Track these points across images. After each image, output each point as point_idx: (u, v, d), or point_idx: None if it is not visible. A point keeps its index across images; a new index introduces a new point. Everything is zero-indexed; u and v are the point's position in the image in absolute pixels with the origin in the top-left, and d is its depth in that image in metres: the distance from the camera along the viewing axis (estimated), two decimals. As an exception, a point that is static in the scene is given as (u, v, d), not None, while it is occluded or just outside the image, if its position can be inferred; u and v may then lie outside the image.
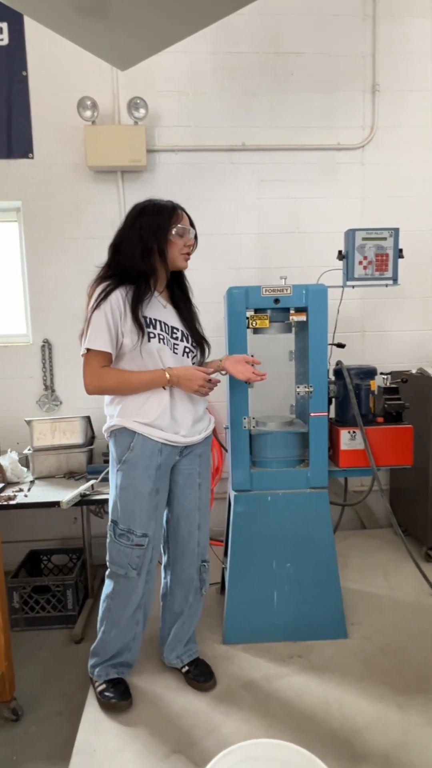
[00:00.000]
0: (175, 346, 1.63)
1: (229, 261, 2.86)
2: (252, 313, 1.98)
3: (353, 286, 2.19)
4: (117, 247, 1.61)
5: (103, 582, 1.74)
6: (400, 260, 2.13)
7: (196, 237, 1.66)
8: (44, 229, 2.76)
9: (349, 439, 2.04)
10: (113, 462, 1.65)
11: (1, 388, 2.81)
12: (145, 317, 1.56)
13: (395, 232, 2.11)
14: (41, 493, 2.24)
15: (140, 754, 1.50)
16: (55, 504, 2.05)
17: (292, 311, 1.96)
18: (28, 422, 2.50)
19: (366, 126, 2.86)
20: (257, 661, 1.89)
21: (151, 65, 2.63)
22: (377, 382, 2.11)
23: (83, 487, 2.21)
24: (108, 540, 1.66)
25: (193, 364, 1.69)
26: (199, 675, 1.78)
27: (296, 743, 1.16)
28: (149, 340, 1.56)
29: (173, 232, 1.58)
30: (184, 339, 1.66)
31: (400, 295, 2.89)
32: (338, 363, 2.14)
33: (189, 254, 1.65)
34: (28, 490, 2.28)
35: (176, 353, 1.63)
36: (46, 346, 2.81)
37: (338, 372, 2.11)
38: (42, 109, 2.70)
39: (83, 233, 2.76)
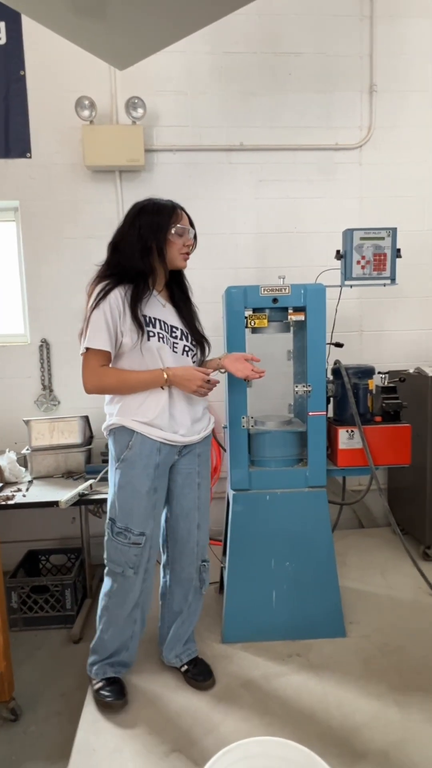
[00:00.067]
0: (175, 345, 1.63)
1: (228, 261, 2.86)
2: (250, 312, 1.98)
3: (351, 286, 2.19)
4: (116, 246, 1.61)
5: (101, 581, 1.74)
6: (398, 260, 2.14)
7: (195, 237, 1.66)
8: (42, 229, 2.75)
9: (347, 439, 2.04)
10: (112, 460, 1.65)
11: (-1, 388, 2.80)
12: (144, 316, 1.56)
13: (393, 231, 2.11)
14: (39, 492, 2.24)
15: (140, 754, 1.50)
16: (54, 504, 2.05)
17: (290, 311, 1.97)
18: (26, 422, 2.50)
19: (364, 126, 2.87)
20: (256, 660, 1.90)
21: (150, 65, 2.64)
22: (375, 382, 2.12)
23: (81, 487, 2.21)
24: (106, 538, 1.66)
25: (193, 362, 1.69)
26: (198, 674, 1.78)
27: (295, 741, 1.16)
28: (149, 339, 1.56)
29: (172, 232, 1.58)
30: (183, 338, 1.66)
31: (398, 294, 2.90)
32: (336, 362, 2.14)
33: (188, 254, 1.66)
34: (27, 490, 2.28)
35: (176, 352, 1.63)
36: (44, 346, 2.80)
37: (336, 371, 2.11)
38: (40, 108, 2.69)
39: (81, 233, 2.76)
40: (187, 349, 1.66)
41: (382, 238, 2.11)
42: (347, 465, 2.06)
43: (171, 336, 1.63)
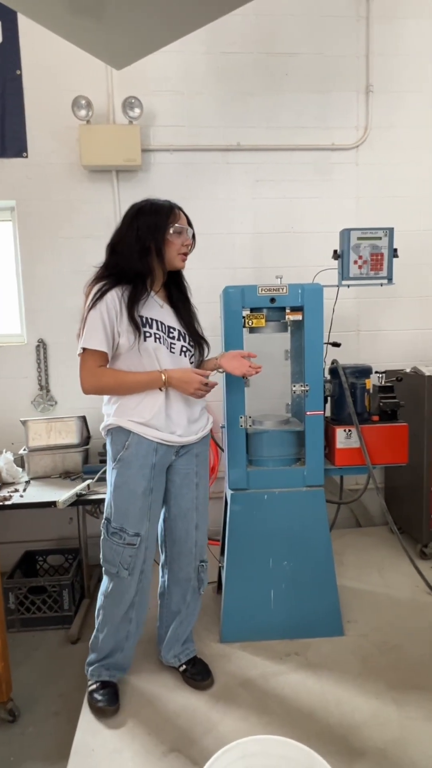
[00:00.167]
0: (172, 346, 1.63)
1: (225, 261, 2.87)
2: (248, 312, 1.99)
3: (348, 286, 2.20)
4: (114, 247, 1.61)
5: (99, 581, 1.74)
6: (394, 260, 2.14)
7: (194, 236, 1.66)
8: (39, 229, 2.75)
9: (344, 438, 2.05)
10: (109, 460, 1.65)
11: (-5, 388, 2.80)
12: (141, 317, 1.56)
13: (390, 231, 2.12)
14: (37, 493, 2.24)
15: (138, 754, 1.50)
16: (51, 504, 2.05)
17: (287, 310, 1.97)
18: (24, 422, 2.49)
19: (360, 126, 2.88)
20: (254, 659, 1.90)
21: (146, 65, 2.63)
22: (372, 381, 2.12)
23: (79, 487, 2.20)
24: (101, 538, 1.66)
25: (191, 363, 1.69)
26: (197, 674, 1.78)
27: (294, 740, 1.17)
28: (145, 340, 1.56)
29: (171, 232, 1.58)
30: (181, 338, 1.66)
31: (395, 294, 2.91)
32: (334, 362, 2.15)
33: (187, 254, 1.65)
34: (24, 490, 2.27)
35: (173, 352, 1.63)
36: (41, 346, 2.80)
37: (334, 371, 2.12)
38: (36, 108, 2.69)
39: (78, 233, 2.76)
40: (184, 349, 1.66)
41: (379, 238, 2.12)
42: (345, 464, 2.06)
43: (168, 337, 1.63)
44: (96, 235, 2.66)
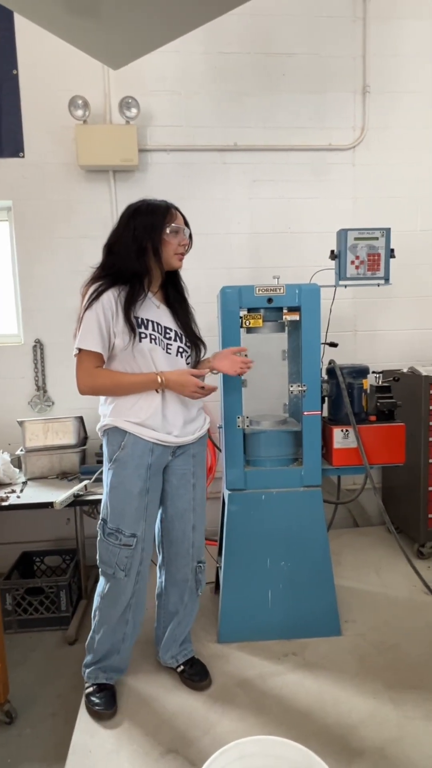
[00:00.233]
0: (168, 346, 1.63)
1: (222, 261, 2.87)
2: (245, 312, 1.99)
3: (345, 286, 2.20)
4: (111, 248, 1.60)
5: (97, 582, 1.74)
6: (391, 260, 2.15)
7: (191, 236, 1.66)
8: (35, 229, 2.74)
9: (342, 438, 2.05)
10: (106, 461, 1.65)
11: (-8, 388, 2.79)
12: (137, 317, 1.56)
13: (387, 232, 2.13)
14: (34, 494, 2.23)
15: (136, 755, 1.49)
16: (48, 505, 2.04)
17: (285, 310, 1.97)
18: (20, 423, 2.48)
19: (357, 127, 2.88)
20: (252, 660, 1.90)
21: (143, 65, 2.63)
22: (369, 381, 2.13)
23: (76, 488, 2.20)
24: (98, 538, 1.65)
25: (187, 364, 1.68)
26: (195, 674, 1.78)
27: (292, 740, 1.17)
28: (140, 341, 1.55)
29: (167, 232, 1.58)
30: (177, 339, 1.65)
31: (392, 294, 2.92)
32: (331, 362, 2.15)
33: (184, 254, 1.65)
34: (21, 491, 2.27)
35: (169, 353, 1.63)
36: (38, 347, 2.79)
37: (331, 371, 2.12)
38: (33, 107, 2.68)
39: (75, 233, 2.75)
40: (181, 350, 1.66)
41: (376, 239, 2.12)
42: (342, 464, 2.07)
43: (164, 337, 1.62)
44: (93, 235, 2.66)
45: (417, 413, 2.55)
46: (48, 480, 2.43)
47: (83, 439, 2.61)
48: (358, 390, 2.07)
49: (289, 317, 1.97)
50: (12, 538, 2.71)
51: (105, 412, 1.63)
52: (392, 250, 2.14)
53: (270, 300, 1.95)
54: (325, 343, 2.18)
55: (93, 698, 1.67)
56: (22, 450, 2.48)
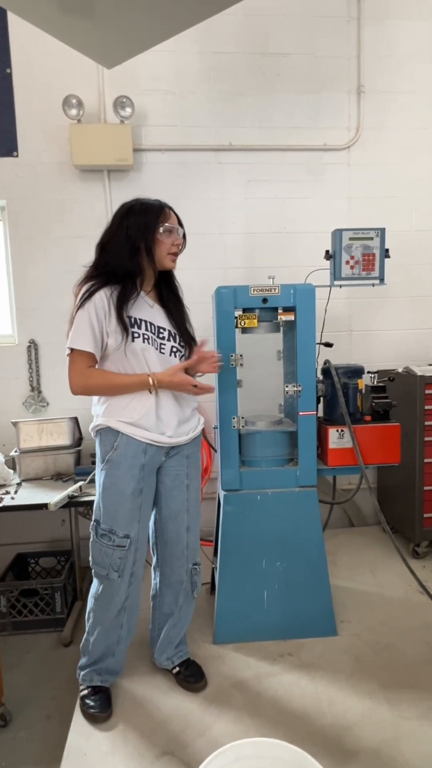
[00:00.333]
0: (162, 346, 1.62)
1: (217, 261, 2.86)
2: (240, 312, 1.98)
3: (340, 286, 2.20)
4: (104, 247, 1.59)
5: (91, 583, 1.73)
6: (386, 260, 2.15)
7: (184, 236, 1.66)
8: (30, 229, 2.73)
9: (337, 438, 2.05)
10: (98, 461, 1.64)
11: (-14, 389, 2.77)
12: (129, 317, 1.55)
13: (381, 232, 2.13)
14: (28, 495, 2.22)
15: (131, 757, 1.49)
16: (43, 506, 2.03)
17: (280, 311, 1.97)
18: (15, 424, 2.47)
19: (352, 127, 2.89)
20: (248, 661, 1.89)
21: (138, 64, 2.63)
22: (365, 381, 2.13)
23: (71, 489, 2.19)
24: (91, 539, 1.64)
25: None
26: (190, 676, 1.77)
27: (288, 741, 1.16)
28: (133, 340, 1.55)
29: (161, 231, 1.57)
30: (171, 338, 1.64)
31: (387, 294, 2.92)
32: (326, 362, 2.15)
33: (177, 254, 1.64)
34: (15, 492, 2.25)
35: (163, 353, 1.62)
36: (32, 347, 2.78)
37: (326, 371, 2.12)
38: (27, 107, 2.67)
39: (69, 233, 2.74)
40: (175, 350, 1.65)
41: (371, 239, 2.12)
42: (337, 464, 2.07)
43: (158, 337, 1.61)
44: (88, 234, 2.64)
45: (412, 413, 2.56)
46: (43, 481, 2.42)
47: (78, 440, 2.60)
48: (354, 390, 2.07)
49: (284, 317, 1.97)
50: (6, 540, 2.69)
51: (98, 412, 1.62)
52: (387, 250, 2.14)
53: (265, 300, 1.95)
54: (320, 343, 2.18)
55: (88, 701, 1.66)
56: (16, 451, 2.47)
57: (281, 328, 2.15)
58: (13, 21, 2.58)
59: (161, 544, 1.75)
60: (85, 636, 1.71)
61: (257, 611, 2.00)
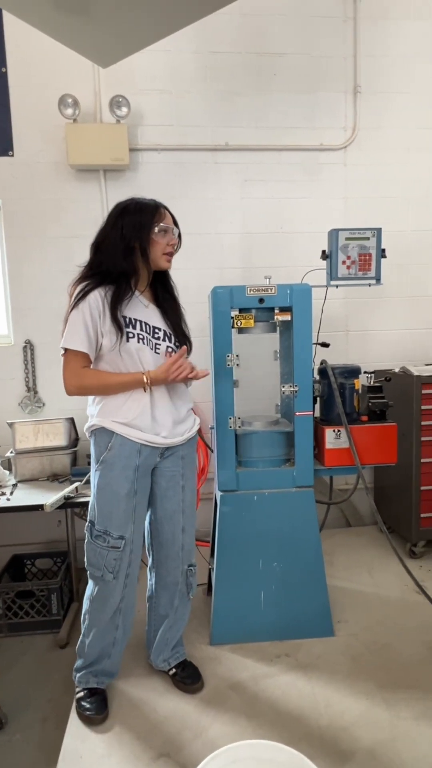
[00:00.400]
0: (157, 346, 1.61)
1: (213, 261, 2.86)
2: (237, 312, 1.98)
3: (337, 286, 2.20)
4: (98, 247, 1.59)
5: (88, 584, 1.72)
6: (383, 260, 2.15)
7: (179, 236, 1.65)
8: (25, 228, 2.72)
9: (334, 438, 2.05)
10: (92, 462, 1.63)
11: (-18, 390, 2.76)
12: (124, 317, 1.54)
13: (378, 232, 2.13)
14: (24, 496, 2.21)
15: (127, 759, 1.48)
16: (39, 507, 2.02)
17: (276, 311, 1.97)
18: (10, 424, 2.46)
19: (348, 127, 2.89)
20: (245, 662, 1.89)
21: (134, 64, 2.62)
22: (361, 381, 2.13)
23: (67, 490, 2.18)
24: (86, 540, 1.63)
25: None
26: (187, 677, 1.76)
27: (284, 743, 1.16)
28: (128, 340, 1.54)
29: (156, 231, 1.56)
30: (166, 339, 1.64)
31: (383, 294, 2.92)
32: (323, 362, 2.15)
33: (172, 254, 1.64)
34: (11, 493, 2.24)
35: (158, 353, 1.61)
36: (28, 347, 2.76)
37: (323, 371, 2.11)
38: (22, 106, 2.65)
39: (65, 232, 2.73)
40: (170, 350, 1.64)
41: (367, 239, 2.12)
42: (334, 465, 2.06)
43: (153, 337, 1.61)
44: (84, 234, 2.60)
45: (409, 413, 2.56)
46: (39, 482, 2.41)
47: (74, 441, 2.59)
48: (350, 390, 2.07)
49: (280, 317, 1.97)
50: (2, 541, 2.68)
51: (92, 412, 1.62)
52: (383, 250, 2.14)
53: (261, 300, 1.95)
54: (316, 344, 2.18)
55: (84, 703, 1.66)
56: (12, 452, 2.45)
57: (278, 329, 2.15)
58: (9, 20, 2.57)
59: (156, 545, 1.74)
60: (80, 638, 1.70)
61: (254, 612, 2.00)
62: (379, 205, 2.92)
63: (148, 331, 1.60)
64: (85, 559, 1.64)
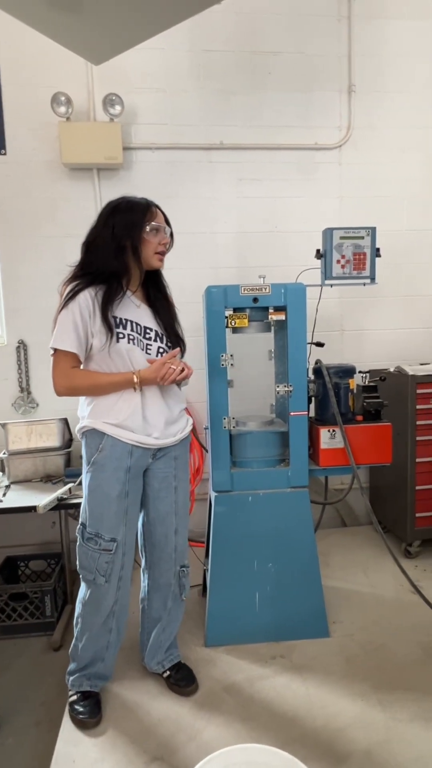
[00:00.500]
0: (148, 347, 1.60)
1: (208, 260, 2.84)
2: (231, 312, 1.96)
3: (331, 285, 2.19)
4: (89, 246, 1.57)
5: (81, 587, 1.71)
6: (377, 259, 2.14)
7: (171, 235, 1.63)
8: (19, 228, 2.69)
9: (328, 438, 2.04)
10: (84, 463, 1.61)
11: (-25, 390, 2.73)
12: (115, 317, 1.53)
13: (372, 231, 2.12)
14: (17, 497, 2.19)
15: (120, 763, 1.47)
16: (31, 509, 2.00)
17: (271, 310, 1.95)
18: (3, 425, 2.43)
19: (343, 126, 2.88)
20: (239, 663, 1.88)
21: (127, 62, 2.60)
22: (356, 381, 2.12)
23: (60, 491, 2.16)
24: (77, 543, 1.62)
25: None
26: (181, 679, 1.75)
27: (279, 745, 1.15)
28: (118, 341, 1.52)
29: (147, 230, 1.55)
30: (158, 339, 1.62)
31: (378, 294, 2.92)
32: (317, 362, 2.14)
33: (164, 253, 1.62)
34: (4, 494, 2.22)
35: (149, 353, 1.59)
36: (22, 347, 2.74)
37: (317, 371, 2.11)
38: (15, 104, 2.63)
39: (59, 231, 2.71)
40: (162, 351, 1.62)
41: (362, 238, 2.11)
42: (329, 465, 2.06)
43: (144, 337, 1.59)
44: (77, 233, 2.56)
45: (404, 413, 2.56)
46: (32, 483, 2.39)
47: (68, 441, 2.57)
48: (345, 390, 2.06)
49: (274, 317, 1.96)
50: (-4, 543, 2.66)
51: (84, 413, 1.60)
52: (378, 250, 2.13)
53: (255, 299, 1.94)
54: (311, 343, 2.17)
55: (77, 706, 1.64)
56: (4, 453, 2.43)
57: (272, 328, 2.14)
58: (0, 17, 2.54)
59: (149, 546, 1.73)
60: (73, 641, 1.69)
61: (249, 613, 1.99)
62: (374, 205, 2.92)
63: (139, 332, 1.58)
64: (77, 562, 1.62)
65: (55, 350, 1.53)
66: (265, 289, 1.93)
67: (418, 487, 2.59)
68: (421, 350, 3.04)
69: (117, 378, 1.53)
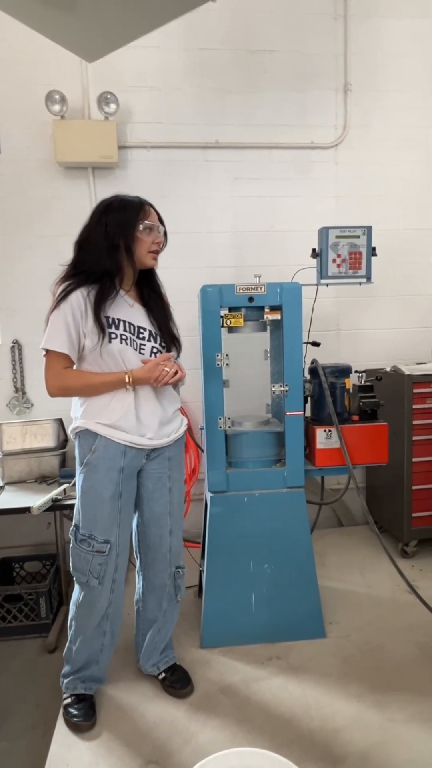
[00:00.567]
0: (142, 347, 1.58)
1: (204, 259, 2.83)
2: (226, 311, 1.96)
3: (327, 284, 2.18)
4: (82, 245, 1.56)
5: (76, 589, 1.69)
6: (373, 259, 2.13)
7: (165, 234, 1.62)
8: (13, 227, 2.67)
9: (324, 438, 2.03)
10: (77, 464, 1.60)
11: (-31, 390, 2.71)
12: (107, 317, 1.51)
13: (368, 230, 2.11)
14: (11, 498, 2.17)
15: (115, 767, 1.45)
16: (26, 510, 1.99)
17: (266, 310, 1.95)
18: (-3, 426, 2.42)
19: (339, 125, 2.87)
20: (235, 665, 1.87)
21: (122, 60, 2.59)
22: (352, 381, 2.11)
23: (55, 492, 2.15)
24: (70, 545, 1.61)
25: None
26: (176, 681, 1.74)
27: (275, 748, 1.15)
28: (110, 341, 1.51)
29: (140, 229, 1.53)
30: (152, 339, 1.60)
31: (374, 293, 2.91)
32: (313, 361, 2.13)
33: (158, 252, 1.61)
34: (-2, 496, 2.21)
35: (143, 353, 1.58)
36: (16, 347, 2.72)
37: (313, 371, 2.10)
38: (8, 102, 2.61)
39: (54, 231, 2.69)
40: (155, 351, 1.61)
41: (358, 237, 2.10)
42: (325, 465, 2.05)
43: (137, 337, 1.58)
44: (72, 233, 2.54)
45: (400, 412, 2.55)
46: (26, 484, 2.37)
47: (63, 442, 2.55)
48: (341, 390, 2.06)
49: (270, 316, 1.95)
50: (-10, 544, 2.64)
51: (77, 414, 1.59)
52: (374, 249, 2.12)
53: (251, 299, 1.93)
54: (307, 343, 2.16)
55: (71, 709, 1.63)
56: (-1, 453, 2.42)
57: (268, 327, 2.13)
58: (-6, 14, 2.52)
59: (144, 547, 1.72)
60: (67, 644, 1.67)
61: (245, 614, 1.98)
62: (370, 204, 2.91)
63: (132, 332, 1.56)
64: (70, 564, 1.61)
65: (47, 351, 1.51)
66: (261, 288, 1.92)
67: (414, 487, 2.59)
68: (418, 350, 3.04)
69: (109, 378, 1.52)
